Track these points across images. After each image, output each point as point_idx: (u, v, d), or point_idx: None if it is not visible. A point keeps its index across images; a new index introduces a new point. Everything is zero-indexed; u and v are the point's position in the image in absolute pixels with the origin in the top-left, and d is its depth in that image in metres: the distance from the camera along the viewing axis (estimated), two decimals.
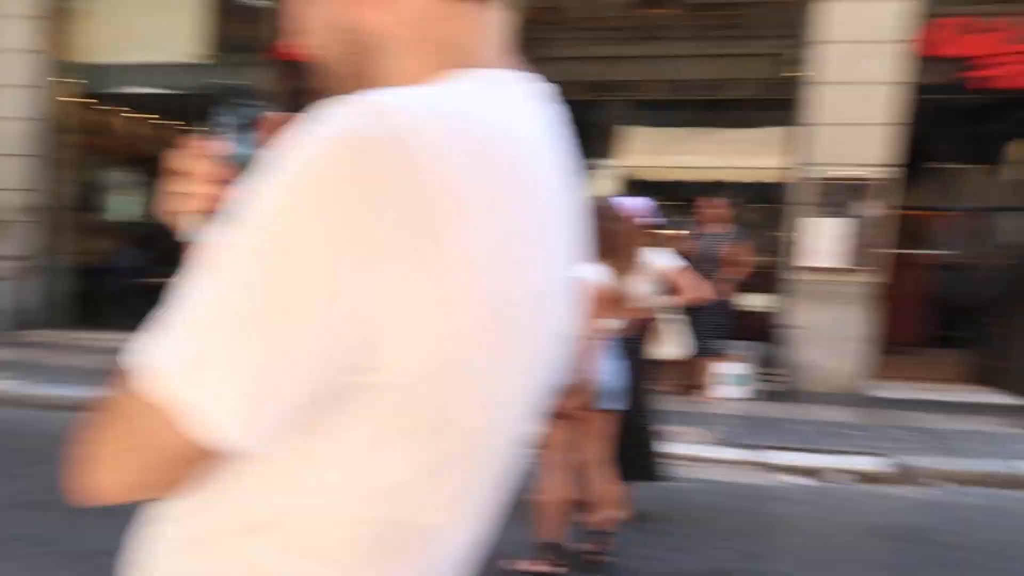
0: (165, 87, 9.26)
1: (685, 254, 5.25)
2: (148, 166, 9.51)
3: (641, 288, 3.82)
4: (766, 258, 8.04)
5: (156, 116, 10.44)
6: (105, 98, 9.69)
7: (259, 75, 8.28)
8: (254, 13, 8.42)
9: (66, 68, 9.16)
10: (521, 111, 0.72)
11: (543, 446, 3.40)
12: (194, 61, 8.84)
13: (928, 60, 7.52)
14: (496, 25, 0.76)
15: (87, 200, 10.15)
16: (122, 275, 9.22)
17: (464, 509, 0.74)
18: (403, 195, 0.58)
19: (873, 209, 7.51)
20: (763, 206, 8.62)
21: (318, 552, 0.67)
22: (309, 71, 0.78)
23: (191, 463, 0.64)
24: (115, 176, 10.68)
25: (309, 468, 0.66)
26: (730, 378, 7.31)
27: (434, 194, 0.59)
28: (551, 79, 0.80)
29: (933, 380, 8.51)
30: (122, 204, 10.62)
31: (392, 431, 0.65)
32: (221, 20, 8.88)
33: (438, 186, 0.59)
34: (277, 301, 0.58)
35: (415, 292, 0.60)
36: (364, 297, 0.59)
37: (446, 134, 0.61)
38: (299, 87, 6.83)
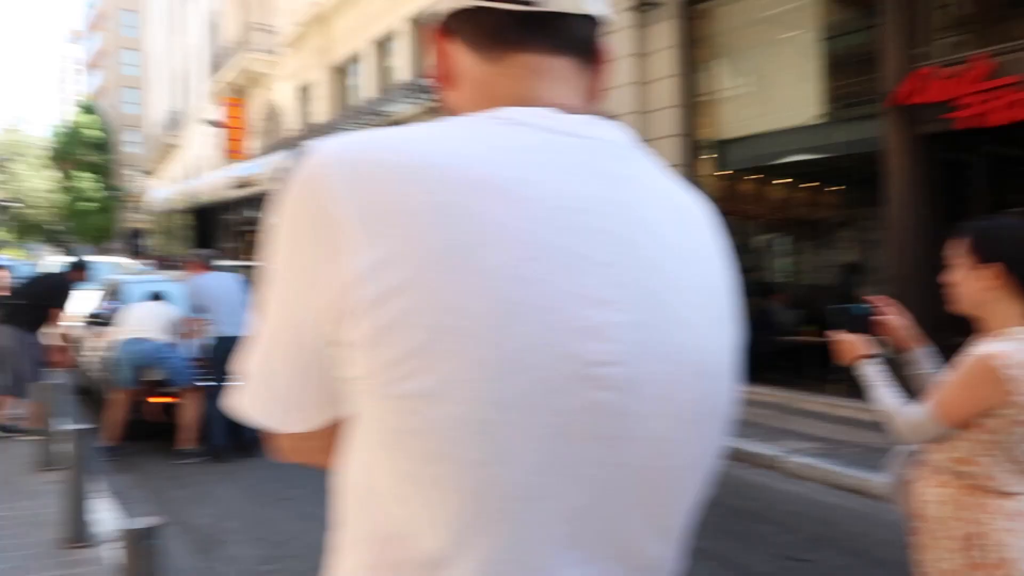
0: (791, 152, 9.45)
1: None
2: (788, 229, 10.93)
3: None
4: None
5: (787, 180, 10.88)
6: (741, 170, 10.33)
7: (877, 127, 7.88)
8: (867, 64, 8.03)
9: (703, 147, 10.05)
10: (523, 147, 0.77)
11: None
12: (813, 122, 8.86)
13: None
14: (566, 74, 0.87)
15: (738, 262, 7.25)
16: (773, 332, 9.14)
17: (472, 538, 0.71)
18: (305, 223, 0.73)
19: None
20: None
21: (342, 523, 0.79)
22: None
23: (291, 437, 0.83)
24: (758, 240, 11.13)
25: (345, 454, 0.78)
26: None
27: (325, 221, 0.71)
28: None
29: None
30: (773, 264, 11.24)
31: (372, 433, 0.72)
32: (835, 77, 8.76)
33: (331, 215, 0.71)
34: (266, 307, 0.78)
35: (335, 298, 0.71)
36: (306, 300, 0.73)
37: (352, 170, 0.72)
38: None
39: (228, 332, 6.66)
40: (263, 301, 0.79)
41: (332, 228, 0.71)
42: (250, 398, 0.80)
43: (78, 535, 4.18)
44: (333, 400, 0.77)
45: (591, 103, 0.89)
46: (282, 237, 0.76)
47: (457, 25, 0.87)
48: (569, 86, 0.87)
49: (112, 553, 4.10)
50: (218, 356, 6.63)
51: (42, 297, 7.03)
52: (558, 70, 0.86)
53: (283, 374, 0.77)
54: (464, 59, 0.88)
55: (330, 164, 0.73)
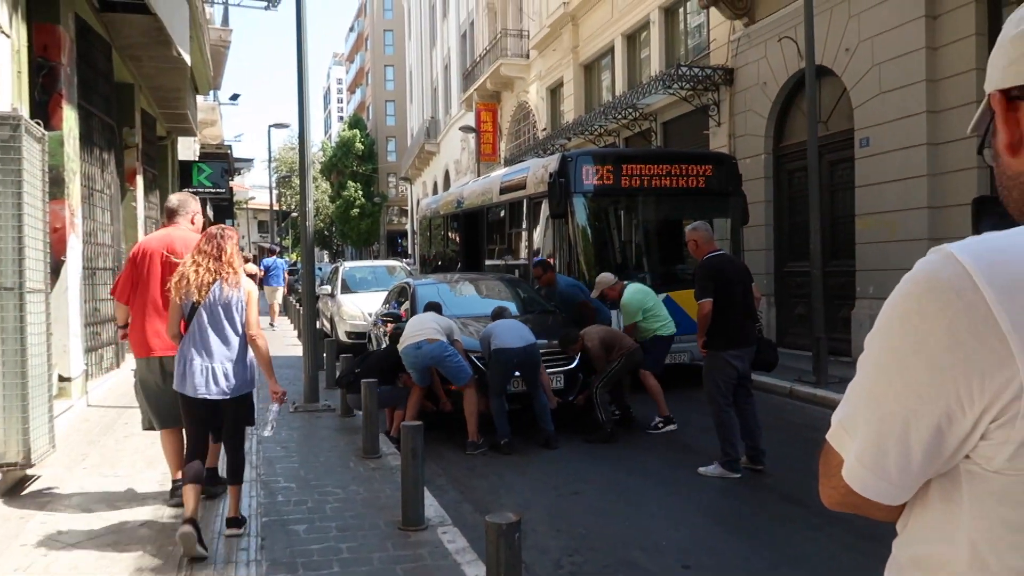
0: None
1: None
2: None
3: None
4: None
5: None
6: None
7: None
8: None
9: None
10: None
11: None
12: None
13: None
14: None
15: None
16: None
17: None
18: (962, 323, 0.77)
19: None
20: None
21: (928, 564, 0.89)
22: None
23: (855, 495, 0.92)
24: None
25: (933, 526, 0.88)
26: None
27: (993, 324, 0.75)
28: None
29: None
30: None
31: (996, 517, 0.81)
32: None
33: (999, 317, 0.75)
34: (877, 388, 0.87)
35: (986, 401, 0.78)
36: (935, 395, 0.80)
37: (1008, 279, 0.76)
38: None
39: (507, 344, 7.12)
40: (873, 383, 0.89)
41: (992, 337, 0.76)
42: (853, 470, 0.92)
43: (413, 519, 4.57)
44: (928, 477, 0.88)
45: None
46: (917, 332, 0.82)
47: None
48: None
49: (444, 537, 4.46)
50: (500, 365, 7.12)
51: None
52: None
53: (895, 457, 0.87)
54: None
55: (983, 271, 0.78)
